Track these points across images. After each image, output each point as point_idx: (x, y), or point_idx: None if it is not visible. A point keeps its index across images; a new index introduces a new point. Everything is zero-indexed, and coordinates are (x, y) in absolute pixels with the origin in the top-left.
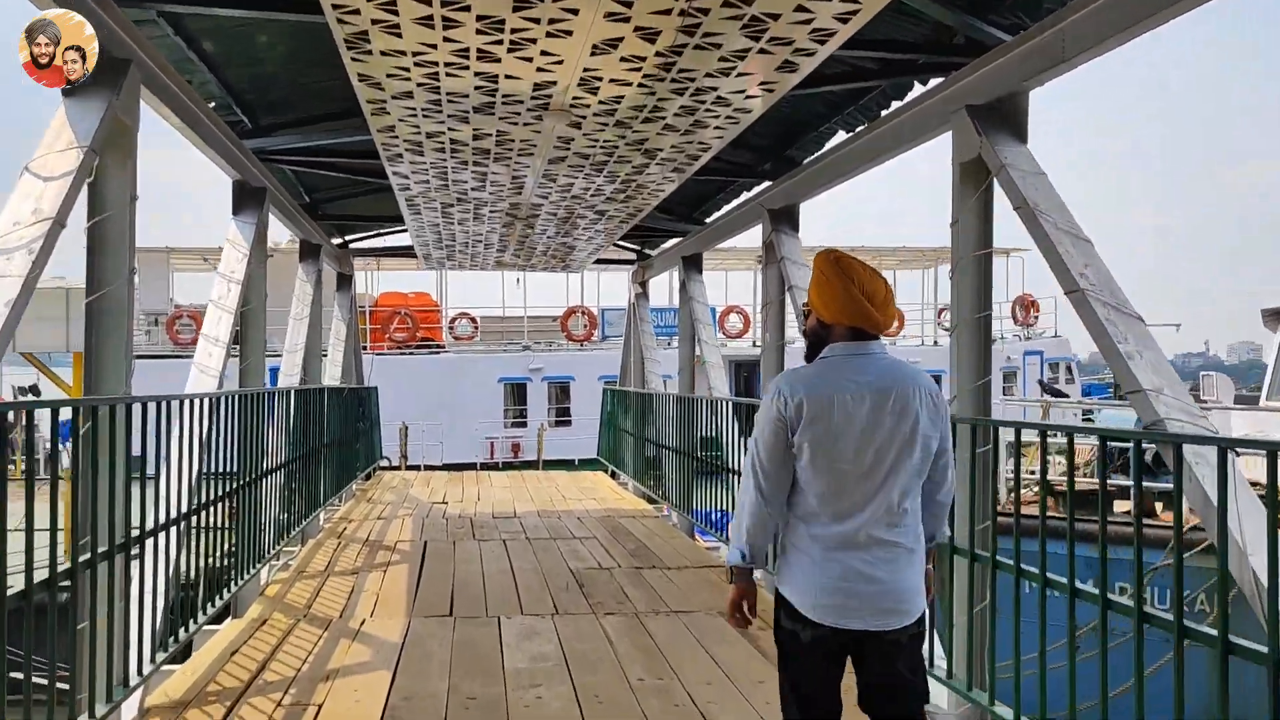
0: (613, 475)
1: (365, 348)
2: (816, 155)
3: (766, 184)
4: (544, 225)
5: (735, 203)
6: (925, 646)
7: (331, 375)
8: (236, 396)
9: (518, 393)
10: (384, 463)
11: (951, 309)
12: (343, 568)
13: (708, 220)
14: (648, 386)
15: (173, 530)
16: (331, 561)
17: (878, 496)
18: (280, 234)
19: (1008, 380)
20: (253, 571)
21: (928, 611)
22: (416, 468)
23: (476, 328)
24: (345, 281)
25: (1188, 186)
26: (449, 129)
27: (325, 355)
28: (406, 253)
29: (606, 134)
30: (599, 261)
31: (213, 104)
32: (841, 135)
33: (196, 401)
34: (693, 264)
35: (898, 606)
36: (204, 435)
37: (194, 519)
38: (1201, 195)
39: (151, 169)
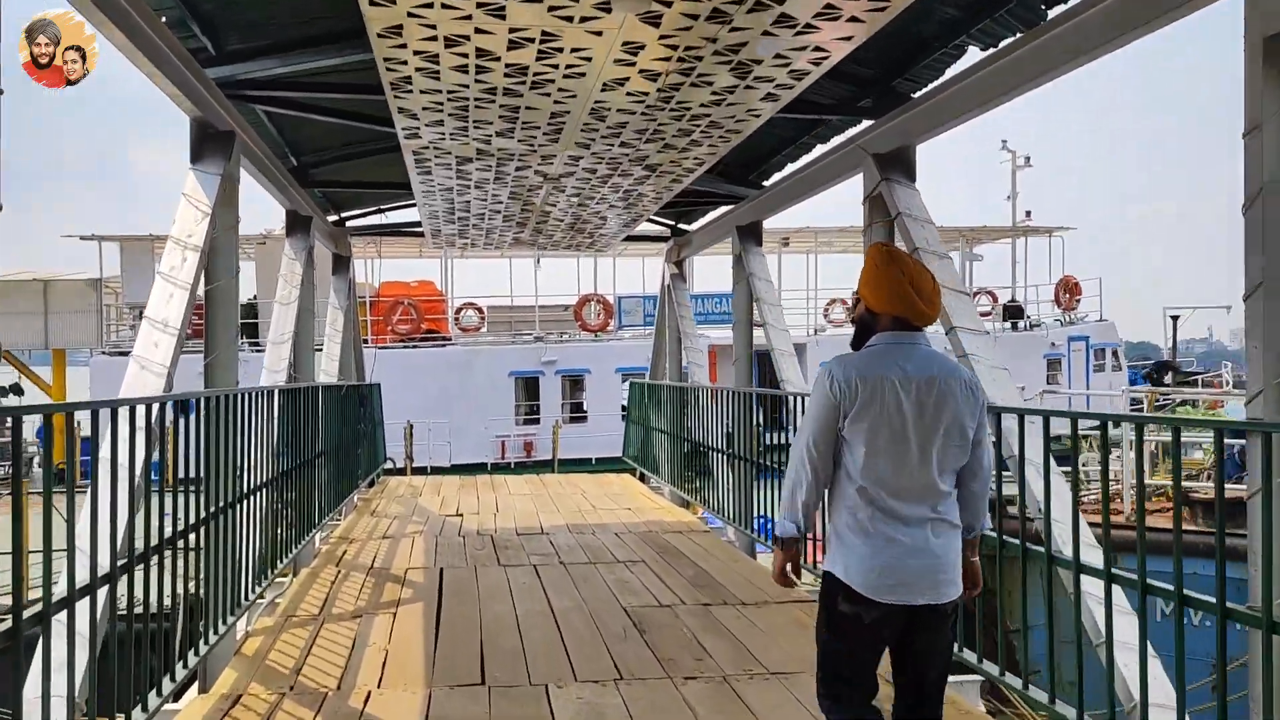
0: (641, 478)
1: (366, 341)
2: (940, 83)
3: (865, 124)
4: (577, 188)
5: (815, 152)
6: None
7: (327, 371)
8: (200, 401)
9: (530, 387)
10: (389, 464)
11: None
12: (342, 608)
13: (766, 184)
14: (691, 379)
15: (95, 595)
16: (328, 600)
17: (927, 477)
18: (273, 216)
19: (1052, 369)
20: (226, 625)
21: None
22: (424, 470)
23: (483, 318)
24: (342, 264)
25: (1177, 175)
26: (475, 29)
27: (319, 349)
28: (411, 230)
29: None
30: (628, 239)
31: (165, 18)
32: (975, 55)
33: (132, 410)
34: (750, 235)
35: (951, 578)
36: (146, 452)
37: (135, 570)
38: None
39: (149, 158)
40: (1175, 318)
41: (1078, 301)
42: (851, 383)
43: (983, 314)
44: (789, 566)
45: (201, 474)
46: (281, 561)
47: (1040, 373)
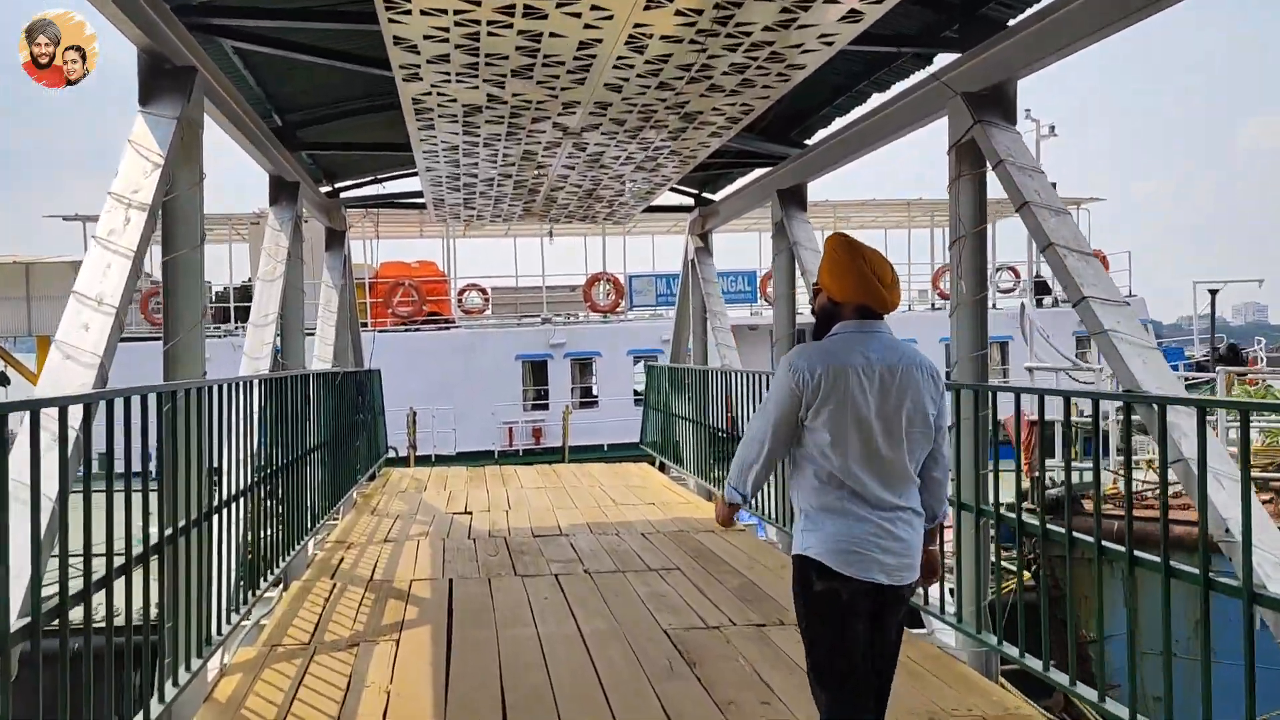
0: (661, 468)
1: (365, 324)
2: (1042, 8)
3: (947, 59)
4: (600, 145)
5: (871, 103)
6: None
7: (321, 357)
8: (152, 396)
9: (538, 371)
10: (392, 453)
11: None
12: (336, 634)
13: (809, 142)
14: (723, 360)
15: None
16: (320, 623)
17: (894, 463)
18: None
19: (1081, 346)
20: (193, 669)
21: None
22: (428, 459)
23: (487, 300)
24: (336, 239)
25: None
26: None
27: (311, 334)
28: (411, 202)
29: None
30: (648, 210)
31: None
32: None
33: (34, 414)
34: (793, 199)
35: (913, 564)
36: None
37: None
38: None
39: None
40: (1214, 291)
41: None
42: (815, 373)
43: (1005, 290)
44: (733, 516)
45: (157, 487)
46: (265, 580)
47: (1071, 350)
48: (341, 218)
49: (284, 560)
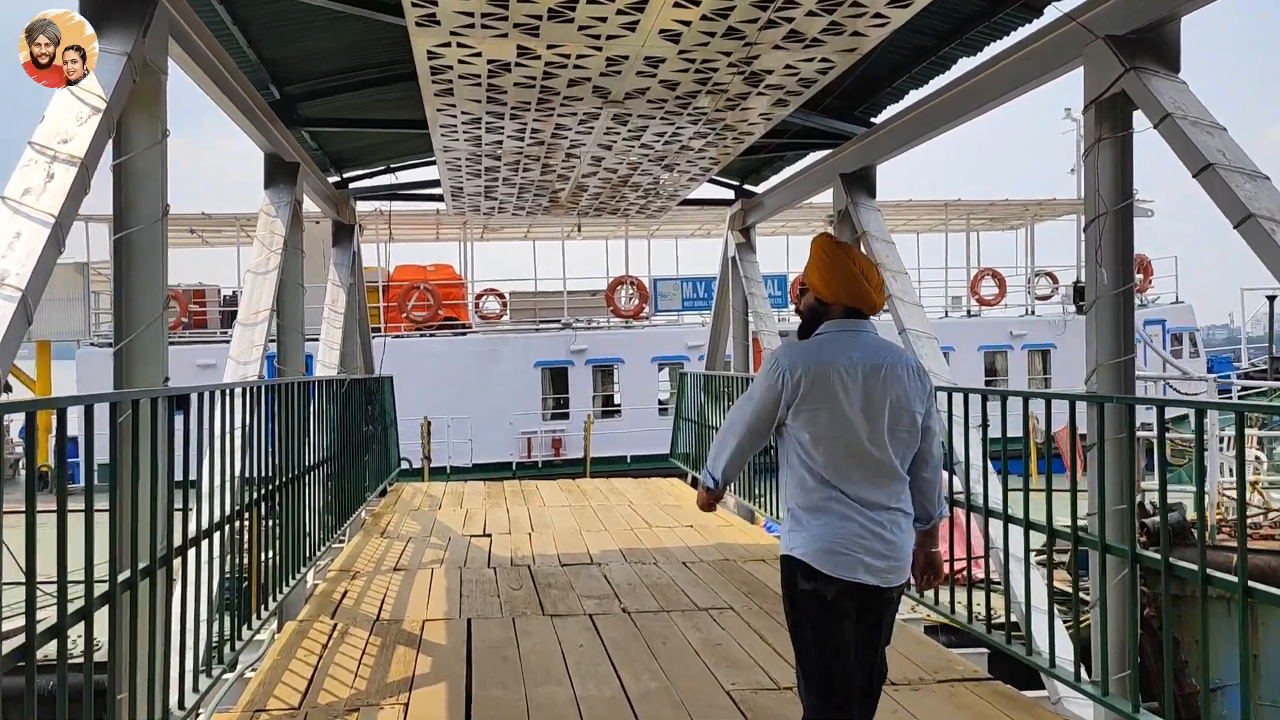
0: (693, 483)
1: (378, 329)
2: None
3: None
4: (643, 118)
5: (957, 70)
6: None
7: (326, 362)
8: (85, 408)
9: (558, 379)
10: (405, 465)
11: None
12: (334, 692)
13: (876, 120)
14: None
15: None
16: (316, 675)
17: (880, 462)
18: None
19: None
20: None
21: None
22: (443, 471)
23: (505, 304)
24: (345, 234)
25: None
26: None
27: (316, 339)
28: (427, 194)
29: None
30: (685, 203)
31: None
32: None
33: None
34: (860, 184)
35: (902, 565)
36: None
37: None
38: None
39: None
40: (1273, 298)
41: (1150, 283)
42: (795, 373)
43: (1041, 297)
44: (714, 503)
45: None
46: (249, 627)
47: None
48: (350, 210)
49: (276, 598)
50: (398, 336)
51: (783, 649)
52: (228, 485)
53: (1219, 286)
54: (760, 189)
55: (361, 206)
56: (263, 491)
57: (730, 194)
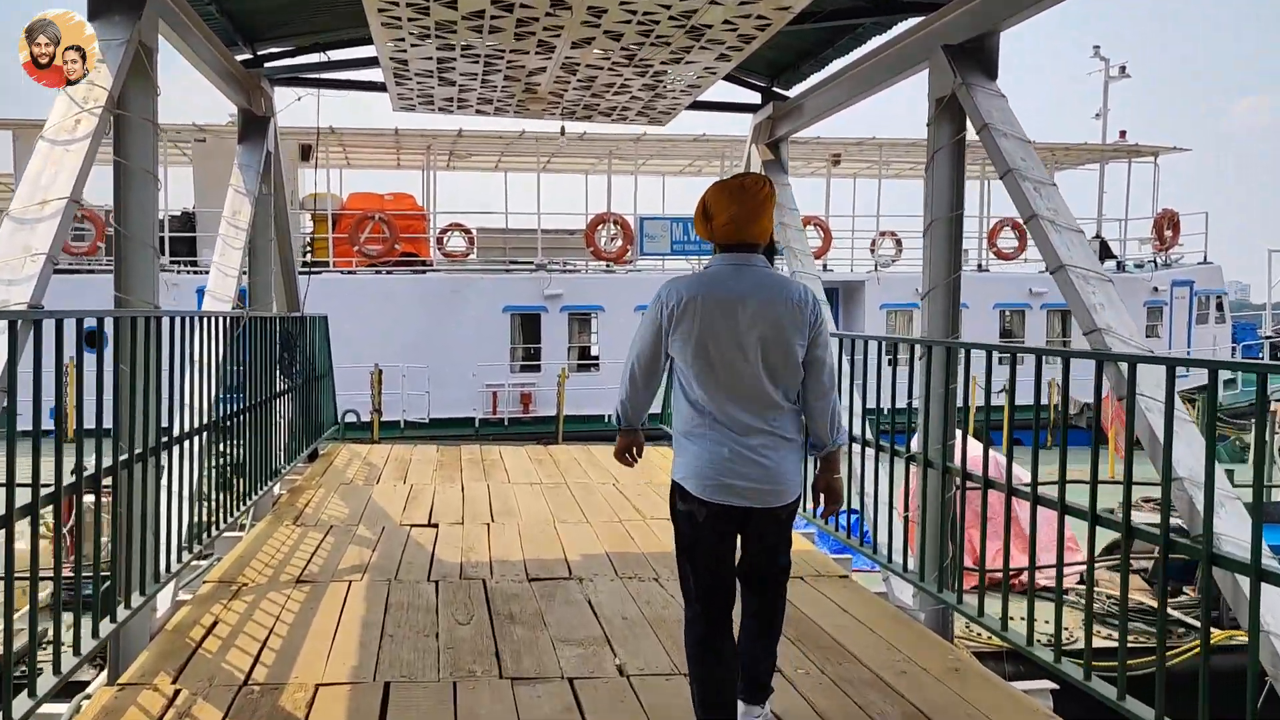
0: None
1: (326, 264)
2: None
3: None
4: None
5: None
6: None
7: (219, 293)
8: None
9: (528, 326)
10: (350, 418)
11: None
12: None
13: None
14: None
15: None
16: None
17: (755, 390)
18: (220, 106)
19: (1152, 318)
20: None
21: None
22: (395, 427)
23: (472, 242)
24: (256, 128)
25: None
26: None
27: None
28: (363, 78)
29: None
30: (695, 106)
31: None
32: None
33: None
34: (974, 60)
35: (778, 487)
36: None
37: None
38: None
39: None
40: None
41: (1179, 240)
42: (671, 302)
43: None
44: (631, 449)
45: None
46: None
47: (1140, 322)
48: (265, 98)
49: (81, 647)
50: (348, 272)
51: None
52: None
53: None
54: (792, 91)
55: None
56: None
57: (756, 97)
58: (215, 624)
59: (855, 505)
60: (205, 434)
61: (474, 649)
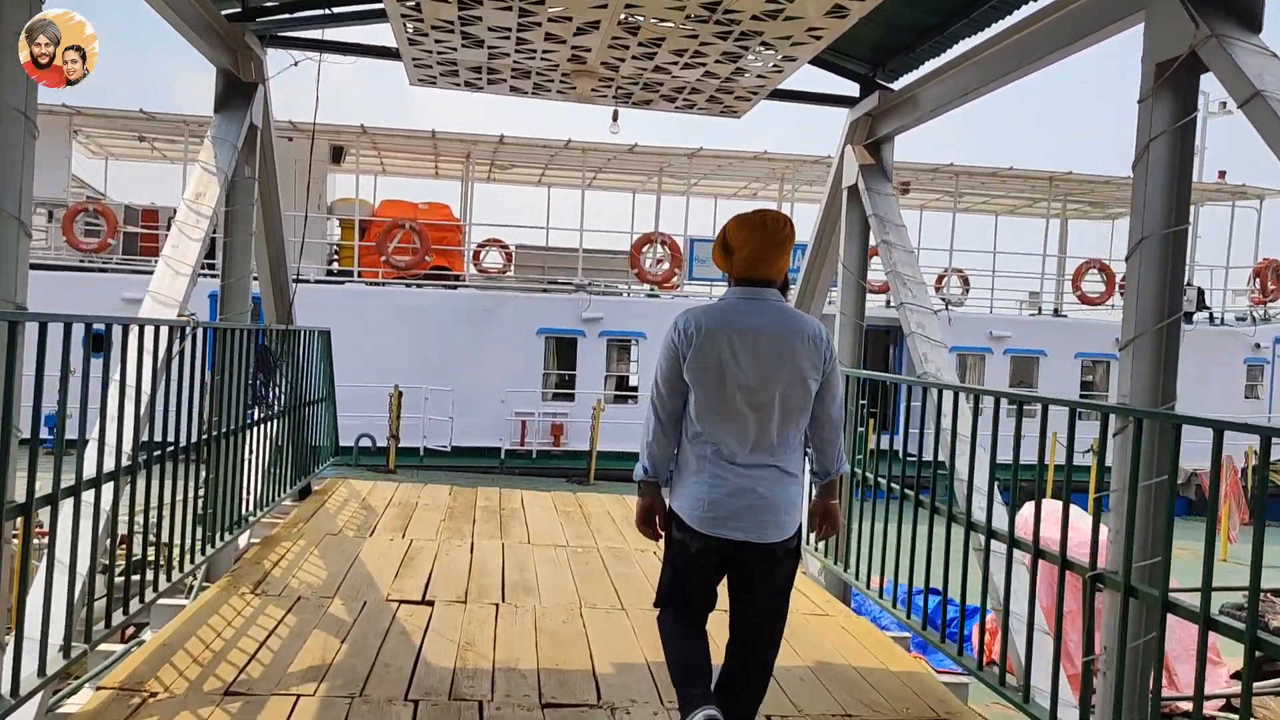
0: None
1: (351, 274)
2: None
3: None
4: None
5: None
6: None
7: (164, 294)
8: None
9: (564, 352)
10: (366, 442)
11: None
12: None
13: None
14: (924, 360)
15: None
16: None
17: (760, 425)
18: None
19: (1252, 377)
20: None
21: (807, 533)
22: (415, 454)
23: (509, 258)
24: (237, 94)
25: None
26: None
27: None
28: (376, 45)
29: None
30: (776, 95)
31: None
32: None
33: None
34: (1226, 7)
35: (775, 521)
36: None
37: None
38: None
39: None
40: None
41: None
42: (690, 332)
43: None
44: (654, 518)
45: None
46: None
47: (1239, 380)
48: (254, 61)
49: None
50: (373, 283)
51: None
52: None
53: None
54: (896, 85)
55: (327, 121)
56: None
57: (853, 88)
58: None
59: (936, 585)
60: (114, 481)
61: None
